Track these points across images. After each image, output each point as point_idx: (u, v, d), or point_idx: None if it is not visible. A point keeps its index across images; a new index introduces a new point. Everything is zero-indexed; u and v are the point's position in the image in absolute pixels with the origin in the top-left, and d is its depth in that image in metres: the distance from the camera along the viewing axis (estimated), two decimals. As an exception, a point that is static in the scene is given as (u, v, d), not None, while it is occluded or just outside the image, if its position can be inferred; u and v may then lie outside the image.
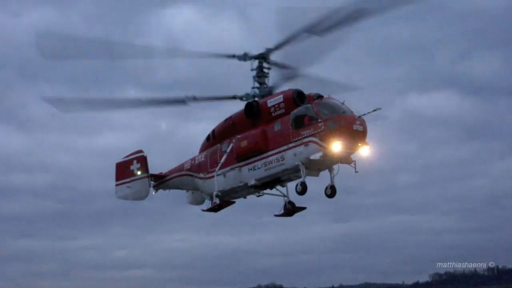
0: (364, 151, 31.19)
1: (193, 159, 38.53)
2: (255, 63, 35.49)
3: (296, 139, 31.96)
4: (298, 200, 36.63)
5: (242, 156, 34.35)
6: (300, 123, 31.98)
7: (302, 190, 31.70)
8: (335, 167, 32.70)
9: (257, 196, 36.96)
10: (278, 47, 34.33)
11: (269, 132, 33.39)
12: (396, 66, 71.55)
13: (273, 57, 35.19)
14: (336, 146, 30.36)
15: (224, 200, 34.83)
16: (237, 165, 34.62)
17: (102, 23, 77.01)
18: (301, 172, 31.67)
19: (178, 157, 38.49)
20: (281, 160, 32.60)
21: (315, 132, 31.21)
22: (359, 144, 31.03)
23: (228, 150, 35.07)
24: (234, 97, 35.95)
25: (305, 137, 31.56)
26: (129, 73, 68.20)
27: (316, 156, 31.02)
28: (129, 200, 40.29)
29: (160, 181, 40.37)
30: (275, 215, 36.79)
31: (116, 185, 40.55)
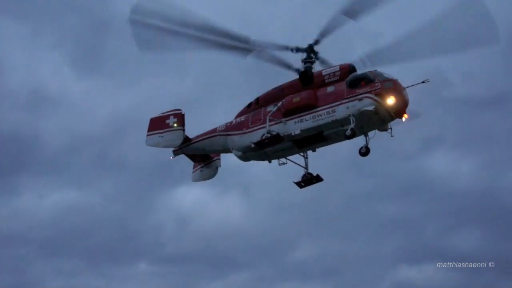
0: (405, 119, 35.93)
1: (229, 122, 41.19)
2: (304, 54, 39.13)
3: (351, 95, 35.95)
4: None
5: (291, 111, 37.34)
6: (355, 84, 36.21)
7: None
8: (371, 134, 37.14)
9: (280, 164, 40.22)
10: (321, 36, 37.92)
11: (322, 92, 37.25)
12: (386, 240, 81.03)
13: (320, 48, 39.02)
14: (390, 100, 34.89)
15: (277, 133, 37.16)
16: (284, 119, 37.65)
17: (118, 202, 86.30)
18: (351, 122, 35.14)
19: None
20: (332, 113, 36.14)
21: (371, 90, 35.44)
22: (402, 112, 35.65)
23: (279, 104, 38.07)
24: (290, 67, 39.09)
25: (360, 94, 35.61)
26: (141, 248, 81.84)
27: (370, 107, 34.99)
28: (160, 147, 42.39)
29: (186, 144, 42.87)
30: (293, 182, 40.12)
31: (148, 135, 42.79)
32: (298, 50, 38.99)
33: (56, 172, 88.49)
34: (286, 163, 40.33)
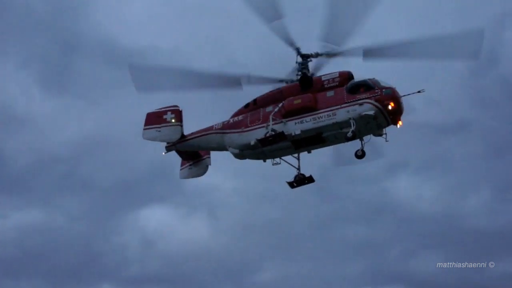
0: (399, 126, 38.04)
1: (226, 121, 42.30)
2: (300, 58, 40.51)
3: (351, 100, 37.81)
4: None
5: (292, 112, 38.75)
6: (355, 90, 38.10)
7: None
8: (366, 138, 38.97)
9: (273, 164, 41.53)
10: (328, 55, 39.75)
11: (322, 96, 38.91)
12: (350, 262, 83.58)
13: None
14: (389, 106, 36.97)
15: (281, 131, 38.47)
16: (284, 120, 39.08)
17: (83, 223, 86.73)
18: (352, 125, 37.01)
19: None
20: (333, 115, 37.88)
21: (371, 96, 37.44)
22: (398, 119, 37.75)
23: (280, 105, 39.40)
24: (281, 81, 41.08)
25: (360, 99, 37.52)
26: (104, 268, 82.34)
27: (370, 112, 36.87)
28: (157, 141, 43.29)
29: (181, 140, 43.51)
30: (286, 182, 41.66)
31: (144, 129, 43.61)
32: (299, 52, 40.38)
33: (20, 192, 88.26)
34: (279, 163, 41.76)
